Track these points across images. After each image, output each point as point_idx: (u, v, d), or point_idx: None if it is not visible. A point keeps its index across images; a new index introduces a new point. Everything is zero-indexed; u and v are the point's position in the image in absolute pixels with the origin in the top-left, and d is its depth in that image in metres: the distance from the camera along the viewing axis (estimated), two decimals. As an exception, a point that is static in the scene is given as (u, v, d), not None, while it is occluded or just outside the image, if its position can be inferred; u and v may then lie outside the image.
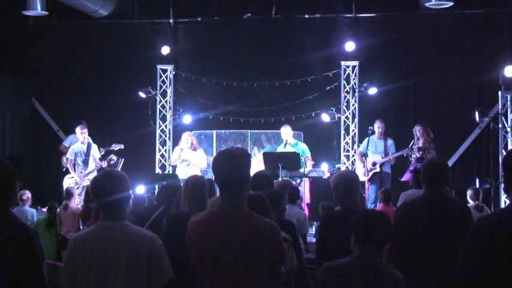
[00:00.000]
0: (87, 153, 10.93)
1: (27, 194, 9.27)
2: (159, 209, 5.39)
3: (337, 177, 4.82)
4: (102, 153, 11.15)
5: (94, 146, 11.02)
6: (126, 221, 3.45)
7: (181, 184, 5.55)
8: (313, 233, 8.79)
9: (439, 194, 4.77)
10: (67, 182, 10.89)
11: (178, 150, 10.94)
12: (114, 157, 10.80)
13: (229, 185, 3.27)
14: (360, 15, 12.21)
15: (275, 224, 3.28)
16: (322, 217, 5.03)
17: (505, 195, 10.30)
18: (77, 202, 9.47)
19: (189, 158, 10.76)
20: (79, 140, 11.01)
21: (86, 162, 10.91)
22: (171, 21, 12.77)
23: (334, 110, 11.78)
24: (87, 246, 3.38)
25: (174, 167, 11.23)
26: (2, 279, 3.21)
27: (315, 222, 9.05)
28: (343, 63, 11.94)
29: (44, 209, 9.75)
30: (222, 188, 3.33)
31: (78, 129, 10.95)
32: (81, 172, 10.85)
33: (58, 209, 9.03)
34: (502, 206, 10.43)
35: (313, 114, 11.88)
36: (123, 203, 3.43)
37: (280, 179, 9.17)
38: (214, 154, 11.04)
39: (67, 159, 11.23)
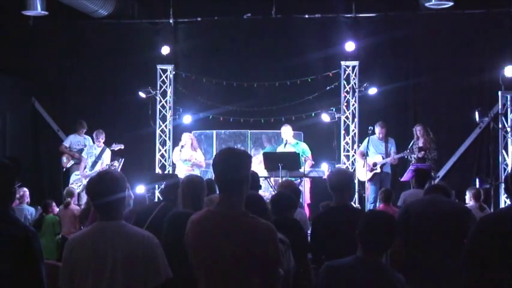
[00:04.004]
0: (99, 156, 11.10)
1: (22, 191, 9.08)
2: (158, 206, 5.41)
3: (329, 174, 4.99)
4: None
5: (107, 152, 11.11)
6: (123, 220, 3.45)
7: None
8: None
9: (439, 195, 4.79)
10: (73, 179, 11.19)
11: (178, 150, 10.98)
12: (115, 163, 10.87)
13: (228, 183, 3.24)
14: (360, 15, 12.21)
15: (271, 226, 3.24)
16: (312, 219, 5.05)
17: (505, 195, 10.30)
18: (81, 202, 9.53)
19: (189, 158, 10.81)
20: (85, 141, 11.10)
21: (94, 164, 11.05)
22: (171, 21, 12.76)
23: (334, 110, 11.77)
24: (84, 247, 3.38)
25: (174, 166, 11.26)
26: (1, 278, 3.20)
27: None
28: (343, 63, 11.93)
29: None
30: (221, 187, 3.30)
31: (94, 135, 11.21)
32: (86, 172, 10.98)
33: (58, 209, 9.03)
34: (502, 206, 10.44)
35: (313, 114, 11.86)
36: (118, 204, 3.42)
37: (280, 179, 9.17)
38: (215, 154, 11.10)
39: (68, 158, 11.29)
